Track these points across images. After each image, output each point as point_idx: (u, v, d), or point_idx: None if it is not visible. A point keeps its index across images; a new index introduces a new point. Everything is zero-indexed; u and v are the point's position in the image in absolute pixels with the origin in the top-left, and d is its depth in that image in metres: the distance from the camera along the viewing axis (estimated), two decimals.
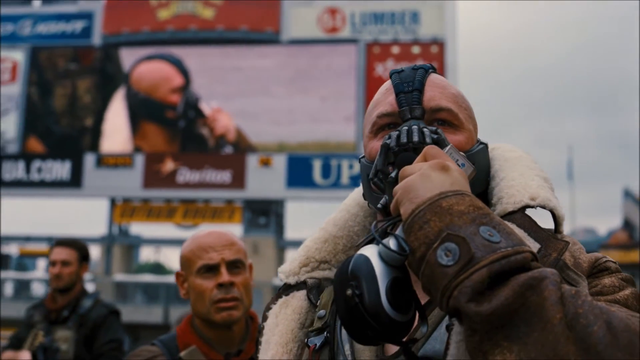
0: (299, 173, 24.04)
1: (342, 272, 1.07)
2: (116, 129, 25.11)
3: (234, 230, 26.15)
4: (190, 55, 25.26)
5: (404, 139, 1.22)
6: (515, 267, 0.89)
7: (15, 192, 25.60)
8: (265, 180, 24.10)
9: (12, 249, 28.09)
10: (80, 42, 25.91)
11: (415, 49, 24.25)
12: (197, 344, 2.40)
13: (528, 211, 1.29)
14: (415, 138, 1.20)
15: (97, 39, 25.78)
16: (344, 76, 23.88)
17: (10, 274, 26.11)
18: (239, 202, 24.79)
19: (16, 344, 4.44)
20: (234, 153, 24.85)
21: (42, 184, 25.10)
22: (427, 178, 1.03)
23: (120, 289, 24.71)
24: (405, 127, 1.24)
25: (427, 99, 1.28)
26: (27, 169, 25.11)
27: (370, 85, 23.94)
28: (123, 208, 24.77)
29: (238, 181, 24.28)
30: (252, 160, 24.35)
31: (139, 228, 28.89)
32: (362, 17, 24.77)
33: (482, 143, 1.36)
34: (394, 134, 1.24)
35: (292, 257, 1.45)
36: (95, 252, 29.42)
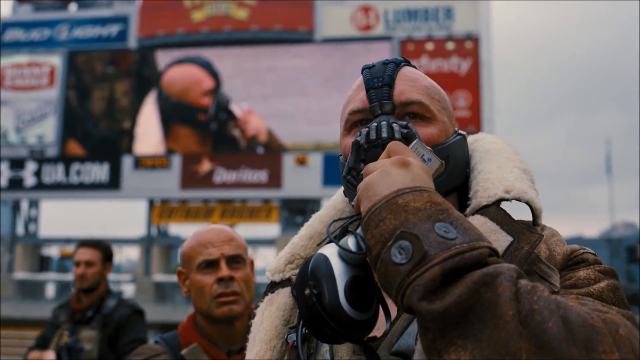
0: (335, 171, 23.52)
1: (302, 272, 1.07)
2: (148, 132, 25.20)
3: (272, 229, 26.21)
4: (224, 57, 25.30)
5: (372, 136, 1.23)
6: (470, 264, 0.88)
7: (55, 194, 25.83)
8: (301, 179, 24.03)
9: (53, 251, 28.29)
10: (116, 46, 26.05)
11: (450, 45, 24.14)
12: (199, 341, 2.41)
13: (510, 204, 1.26)
14: (384, 134, 1.21)
15: (132, 42, 25.92)
16: None
17: (51, 276, 26.36)
18: (275, 201, 24.76)
19: (42, 344, 4.49)
20: (269, 153, 24.87)
21: (82, 187, 25.27)
22: (387, 175, 1.03)
23: (159, 289, 24.81)
24: (375, 124, 1.24)
25: (397, 93, 1.29)
26: (67, 172, 25.30)
27: None
28: (161, 209, 24.88)
29: (274, 180, 24.26)
30: (288, 160, 24.32)
31: (177, 228, 29.00)
32: (396, 14, 24.69)
33: (459, 134, 1.36)
34: (364, 130, 1.25)
35: (279, 254, 1.46)
36: (134, 253, 29.68)
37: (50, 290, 25.68)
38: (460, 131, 1.38)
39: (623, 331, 0.85)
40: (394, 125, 1.22)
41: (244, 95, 24.81)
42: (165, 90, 25.32)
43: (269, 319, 1.33)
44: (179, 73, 25.45)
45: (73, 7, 27.64)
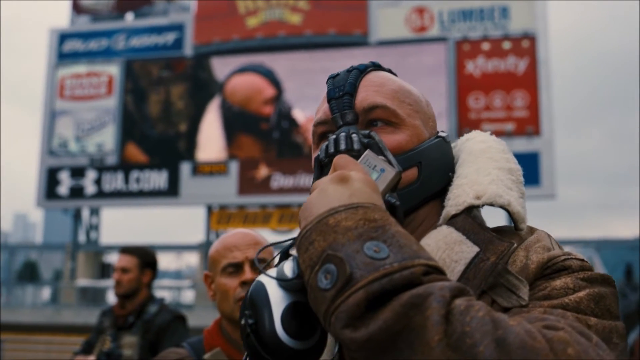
0: None
1: (243, 301, 1.02)
2: (210, 140, 25.40)
3: None
4: (279, 61, 25.41)
5: (331, 149, 1.18)
6: (399, 285, 0.82)
7: (116, 202, 26.19)
8: None
9: (114, 258, 28.61)
10: (172, 54, 26.36)
11: (506, 45, 23.87)
12: (223, 345, 2.38)
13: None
14: (342, 146, 1.16)
15: (188, 49, 26.18)
16: (434, 74, 23.64)
17: (112, 283, 26.66)
18: None
19: (87, 350, 4.55)
20: None
21: (141, 194, 25.59)
22: (323, 193, 0.98)
23: None
24: (333, 136, 1.20)
25: (360, 100, 1.23)
26: (126, 180, 25.64)
27: (461, 82, 23.70)
28: (219, 215, 25.04)
29: None
30: None
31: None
32: (450, 14, 24.51)
33: (438, 136, 1.29)
34: (324, 144, 1.21)
35: None
36: (194, 259, 29.89)
37: (111, 297, 25.95)
38: (441, 133, 1.31)
39: (572, 351, 0.79)
40: (353, 135, 1.17)
41: (298, 97, 24.82)
42: (228, 99, 25.54)
43: None
44: (241, 82, 25.64)
45: (130, 17, 28.06)
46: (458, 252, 1.10)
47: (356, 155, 1.13)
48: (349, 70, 1.30)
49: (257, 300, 1.00)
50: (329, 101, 1.27)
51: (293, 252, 1.06)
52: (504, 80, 23.53)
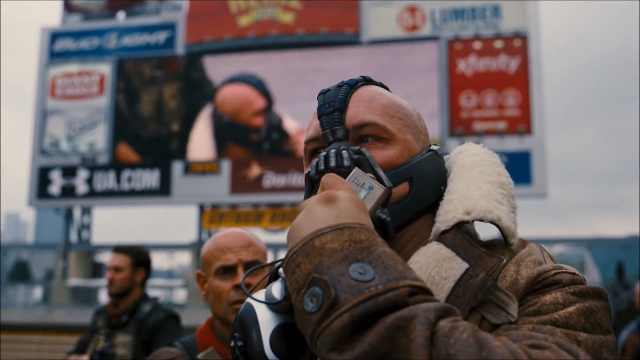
0: None
1: (233, 323, 1.03)
2: (201, 149, 25.38)
3: None
4: (271, 60, 25.39)
5: (321, 166, 1.18)
6: (384, 308, 0.82)
7: (107, 201, 26.10)
8: None
9: (106, 258, 28.57)
10: (164, 53, 26.29)
11: (498, 44, 23.90)
12: (216, 345, 2.38)
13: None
14: (332, 163, 1.16)
15: (180, 48, 26.12)
16: (425, 73, 23.65)
17: (104, 282, 26.52)
18: None
19: (81, 349, 4.54)
20: None
21: (133, 193, 25.52)
22: (310, 214, 0.98)
23: None
24: (324, 153, 1.19)
25: (350, 117, 1.23)
26: (118, 179, 25.57)
27: (453, 81, 23.71)
28: (211, 214, 25.01)
29: None
30: None
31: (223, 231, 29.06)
32: (442, 13, 24.53)
33: (430, 150, 1.28)
34: (314, 161, 1.21)
35: None
36: (185, 258, 29.84)
37: (103, 296, 25.90)
38: (433, 146, 1.31)
39: None
40: (343, 152, 1.17)
41: (290, 96, 24.80)
42: (219, 108, 25.51)
43: None
44: (231, 92, 25.60)
45: (121, 16, 27.98)
46: (447, 268, 1.09)
47: (346, 171, 1.13)
48: (339, 86, 1.29)
49: (246, 322, 1.01)
50: (319, 117, 1.26)
51: (282, 272, 1.05)
52: (495, 79, 23.57)
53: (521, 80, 23.55)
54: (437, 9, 24.64)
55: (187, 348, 2.45)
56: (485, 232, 1.24)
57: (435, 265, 1.10)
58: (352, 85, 1.28)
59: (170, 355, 2.42)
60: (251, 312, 1.02)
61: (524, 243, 1.18)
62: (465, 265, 1.08)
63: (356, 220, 0.95)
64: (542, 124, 23.06)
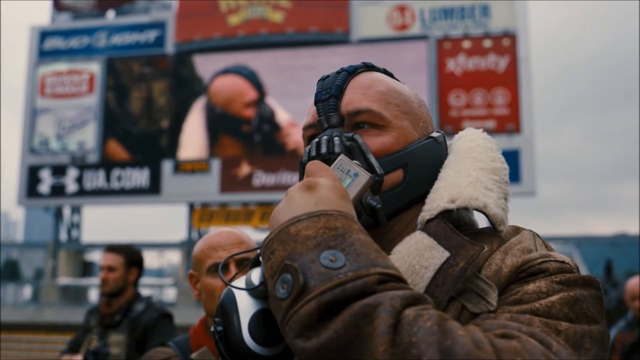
0: None
1: (216, 309, 1.05)
2: (193, 140, 25.30)
3: None
4: (261, 59, 25.35)
5: (312, 153, 1.18)
6: (351, 295, 0.83)
7: (97, 200, 26.01)
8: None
9: (96, 257, 28.53)
10: (153, 51, 26.22)
11: (487, 43, 23.95)
12: (210, 345, 2.37)
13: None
14: (323, 150, 1.16)
15: (170, 47, 26.06)
16: (415, 72, 23.68)
17: (94, 281, 26.51)
18: None
19: (74, 348, 4.55)
20: None
21: (123, 192, 25.45)
22: (290, 201, 0.98)
23: None
24: (316, 140, 1.19)
25: (345, 103, 1.22)
26: (108, 178, 25.50)
27: (442, 80, 23.77)
28: (201, 213, 24.97)
29: None
30: None
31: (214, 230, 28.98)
32: (432, 13, 24.57)
33: (430, 137, 1.26)
34: (307, 148, 1.22)
35: None
36: (175, 257, 29.82)
37: (93, 295, 25.86)
38: (434, 133, 1.29)
39: None
40: (335, 139, 1.17)
41: (280, 93, 24.80)
42: (212, 99, 25.47)
43: None
44: (224, 83, 25.56)
45: (111, 15, 27.91)
46: (428, 258, 1.08)
47: (336, 158, 1.13)
48: (338, 72, 1.28)
49: (226, 308, 1.03)
50: (315, 104, 1.27)
51: None
52: (484, 78, 23.63)
53: (510, 79, 23.62)
54: (427, 8, 24.67)
55: (180, 348, 2.45)
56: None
57: (416, 254, 1.09)
58: (351, 72, 1.27)
59: (164, 355, 2.42)
60: (232, 298, 1.03)
61: (517, 230, 1.16)
62: (447, 254, 1.07)
63: (335, 207, 0.95)
64: (530, 122, 23.14)
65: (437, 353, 0.76)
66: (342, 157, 1.11)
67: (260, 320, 1.00)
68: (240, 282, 1.06)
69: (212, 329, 1.03)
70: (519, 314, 0.95)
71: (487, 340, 0.81)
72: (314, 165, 1.06)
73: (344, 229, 0.91)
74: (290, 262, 0.88)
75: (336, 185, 1.01)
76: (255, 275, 1.03)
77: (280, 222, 0.95)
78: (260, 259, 1.00)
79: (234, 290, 1.04)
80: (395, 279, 0.87)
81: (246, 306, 1.01)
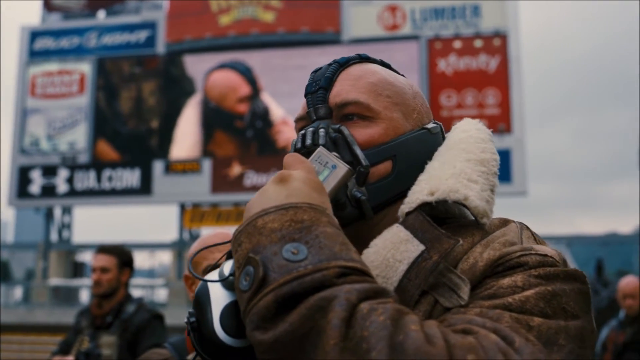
0: None
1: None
2: (186, 137, 25.28)
3: None
4: (252, 59, 25.37)
5: (298, 144, 1.18)
6: (309, 288, 0.83)
7: (88, 201, 25.99)
8: None
9: (87, 257, 28.48)
10: (144, 52, 26.21)
11: (478, 43, 24.02)
12: None
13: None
14: (308, 141, 1.15)
15: (160, 47, 26.05)
16: (406, 72, 22.91)
17: (85, 282, 26.47)
18: None
19: (65, 350, 4.50)
20: None
21: (113, 192, 25.42)
22: (263, 194, 0.97)
23: None
24: (302, 132, 1.19)
25: (333, 95, 1.22)
26: (98, 178, 25.46)
27: (433, 80, 23.82)
28: (192, 213, 24.95)
29: None
30: None
31: (209, 232, 28.98)
32: (423, 13, 24.62)
33: (423, 129, 1.25)
34: (293, 140, 1.21)
35: None
36: (167, 257, 29.78)
37: (84, 296, 25.80)
38: (429, 125, 1.28)
39: (472, 357, 0.78)
40: (321, 130, 1.16)
41: (272, 92, 24.82)
42: (208, 94, 25.47)
43: None
44: (219, 78, 25.57)
45: (101, 15, 27.87)
46: (403, 251, 1.06)
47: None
48: (330, 64, 1.27)
49: (200, 300, 1.03)
50: (305, 95, 1.26)
51: None
52: (475, 78, 23.69)
53: (501, 79, 23.68)
54: (418, 8, 24.73)
55: (176, 349, 2.46)
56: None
57: (391, 247, 1.07)
58: (342, 64, 1.26)
59: (161, 357, 2.43)
60: (205, 290, 1.03)
61: (505, 223, 1.13)
62: (422, 248, 1.05)
63: (306, 199, 0.95)
64: (521, 122, 23.22)
65: (386, 348, 0.76)
66: (320, 149, 1.10)
67: (233, 312, 0.99)
68: (214, 274, 1.06)
69: (185, 320, 1.03)
70: (489, 309, 0.93)
71: (441, 336, 0.80)
72: (291, 158, 1.06)
73: (311, 222, 0.91)
74: (253, 255, 0.88)
75: (310, 177, 1.00)
76: (227, 267, 1.02)
77: (251, 214, 0.95)
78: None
79: (209, 283, 1.04)
80: (358, 272, 0.87)
81: (219, 298, 1.01)
